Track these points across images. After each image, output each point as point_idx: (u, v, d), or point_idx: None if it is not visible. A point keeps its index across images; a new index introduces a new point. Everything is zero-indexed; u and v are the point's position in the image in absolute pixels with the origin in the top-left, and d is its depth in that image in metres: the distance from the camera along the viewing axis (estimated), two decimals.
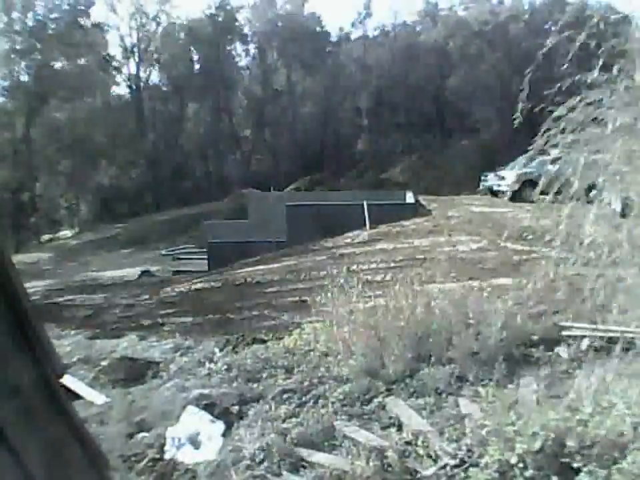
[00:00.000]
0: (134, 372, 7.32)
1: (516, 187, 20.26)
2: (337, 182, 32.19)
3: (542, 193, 5.34)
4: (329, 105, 36.68)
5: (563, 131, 4.90)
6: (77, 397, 6.26)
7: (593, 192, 5.07)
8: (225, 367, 6.89)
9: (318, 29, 39.02)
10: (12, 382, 0.90)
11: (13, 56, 34.21)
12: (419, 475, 4.43)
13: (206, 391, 6.18)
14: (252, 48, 41.11)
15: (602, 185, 5.00)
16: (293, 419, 5.38)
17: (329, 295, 7.18)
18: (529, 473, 3.95)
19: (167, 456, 5.19)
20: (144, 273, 19.27)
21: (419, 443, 4.78)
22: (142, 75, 39.57)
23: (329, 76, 37.30)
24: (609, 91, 4.67)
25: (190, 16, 39.50)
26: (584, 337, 5.86)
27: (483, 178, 23.89)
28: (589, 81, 4.62)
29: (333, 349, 6.54)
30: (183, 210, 33.20)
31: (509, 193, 20.72)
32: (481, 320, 6.37)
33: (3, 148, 33.33)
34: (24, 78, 35.83)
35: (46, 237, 33.24)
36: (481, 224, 13.84)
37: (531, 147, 4.95)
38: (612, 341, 5.48)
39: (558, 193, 5.19)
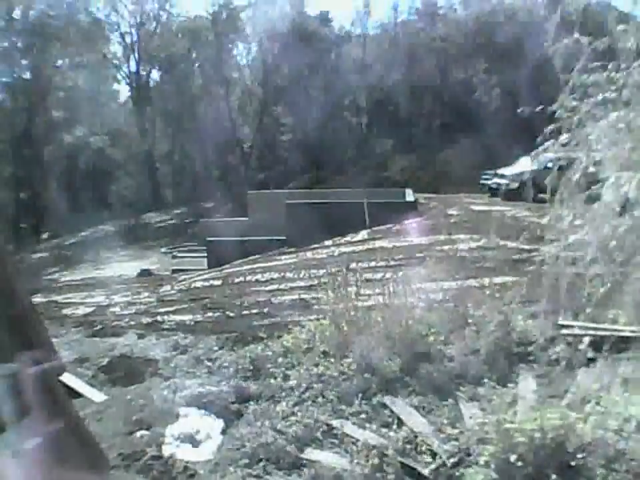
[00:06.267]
0: (133, 370, 7.32)
1: (515, 185, 20.31)
2: (337, 180, 32.16)
3: (543, 192, 5.35)
4: (329, 103, 36.62)
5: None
6: (77, 394, 6.27)
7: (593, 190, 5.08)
8: (224, 365, 6.89)
9: (318, 27, 38.98)
10: (12, 382, 0.90)
11: (13, 53, 34.17)
12: (418, 474, 4.43)
13: (205, 389, 6.18)
14: (253, 47, 41.16)
15: (602, 184, 5.00)
16: (292, 417, 5.39)
17: (329, 293, 7.18)
18: (528, 472, 3.96)
19: (166, 454, 5.19)
20: (143, 271, 19.29)
21: (418, 441, 4.79)
22: (142, 72, 39.53)
23: (329, 74, 37.25)
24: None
25: (191, 14, 39.53)
26: (584, 335, 5.86)
27: (483, 177, 23.92)
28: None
29: (332, 347, 6.54)
30: (184, 208, 33.24)
31: (505, 192, 20.83)
32: (480, 318, 6.37)
33: (3, 146, 33.29)
34: (24, 75, 35.80)
35: (45, 235, 33.22)
36: (481, 222, 13.82)
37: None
38: (612, 339, 5.49)
39: (553, 193, 5.20)
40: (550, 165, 5.88)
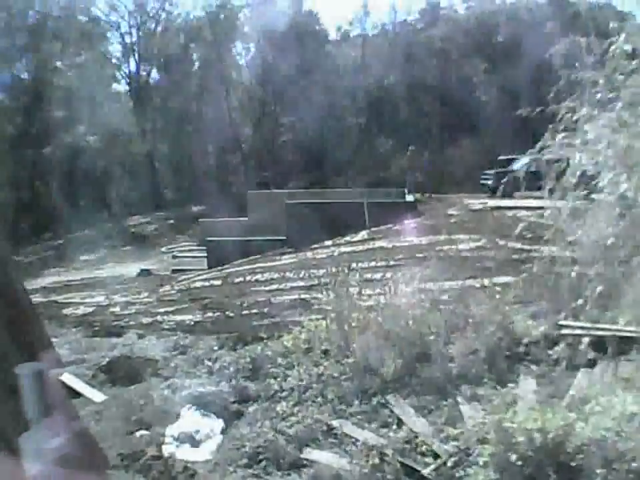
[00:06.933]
0: (133, 370, 7.32)
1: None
2: (337, 180, 32.16)
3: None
4: (329, 103, 36.60)
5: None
6: (77, 394, 6.27)
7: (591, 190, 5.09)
8: (224, 365, 6.89)
9: (317, 27, 38.99)
10: (12, 382, 0.90)
11: (12, 53, 34.17)
12: (417, 474, 4.43)
13: (205, 389, 6.19)
14: (252, 47, 41.14)
15: (601, 184, 5.01)
16: (292, 417, 5.39)
17: (329, 293, 7.18)
18: (528, 472, 3.96)
19: (165, 454, 5.19)
20: (143, 271, 19.26)
21: (418, 441, 4.79)
22: (142, 72, 39.51)
23: (329, 75, 37.23)
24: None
25: (190, 14, 39.56)
26: (583, 335, 5.86)
27: (483, 176, 23.96)
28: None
29: (332, 347, 6.54)
30: (183, 208, 33.23)
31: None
32: (480, 318, 6.37)
33: (3, 146, 33.27)
34: (24, 76, 35.81)
35: (45, 235, 33.18)
36: (481, 222, 13.83)
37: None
38: (612, 339, 5.49)
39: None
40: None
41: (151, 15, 38.81)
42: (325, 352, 6.59)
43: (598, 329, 5.82)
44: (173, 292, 12.83)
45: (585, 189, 5.16)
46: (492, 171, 23.12)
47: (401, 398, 5.54)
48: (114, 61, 39.33)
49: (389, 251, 12.46)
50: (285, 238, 16.92)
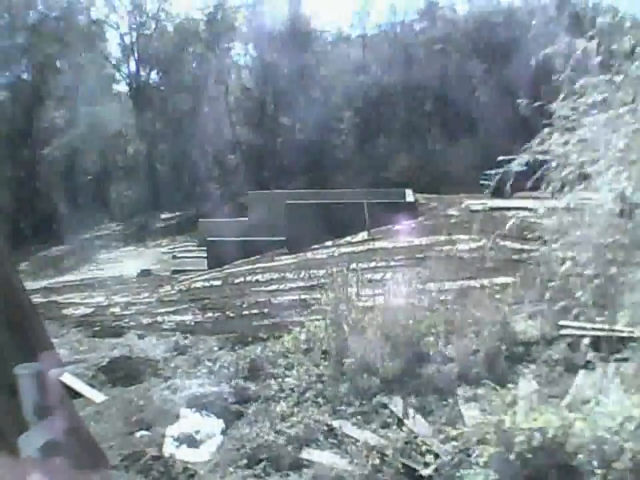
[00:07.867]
0: (133, 371, 7.32)
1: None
2: (336, 181, 32.15)
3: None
4: (328, 103, 36.63)
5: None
6: (77, 395, 6.28)
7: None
8: (224, 365, 6.89)
9: (316, 28, 39.04)
10: (12, 382, 0.91)
11: (13, 53, 34.20)
12: (417, 474, 4.43)
13: (205, 390, 6.19)
14: (251, 47, 41.17)
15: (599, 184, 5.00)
16: (292, 418, 5.39)
17: (329, 293, 7.18)
18: (527, 472, 3.96)
19: (166, 454, 5.19)
20: (143, 271, 19.27)
21: (418, 442, 4.79)
22: (142, 73, 39.54)
23: (328, 75, 37.26)
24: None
25: (189, 15, 39.59)
26: (583, 336, 5.86)
27: (483, 177, 23.95)
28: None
29: (332, 348, 6.54)
30: (183, 209, 33.25)
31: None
32: (479, 318, 6.37)
33: (2, 146, 33.28)
34: (24, 76, 35.85)
35: (44, 236, 33.18)
36: (481, 223, 13.83)
37: None
38: (611, 340, 5.49)
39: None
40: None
41: (149, 15, 38.84)
42: (325, 352, 6.59)
43: (598, 329, 5.82)
44: (173, 292, 12.83)
45: (584, 188, 5.16)
46: (492, 171, 23.10)
47: (401, 398, 5.54)
48: (113, 61, 39.41)
49: (388, 252, 12.47)
50: (284, 238, 16.93)
